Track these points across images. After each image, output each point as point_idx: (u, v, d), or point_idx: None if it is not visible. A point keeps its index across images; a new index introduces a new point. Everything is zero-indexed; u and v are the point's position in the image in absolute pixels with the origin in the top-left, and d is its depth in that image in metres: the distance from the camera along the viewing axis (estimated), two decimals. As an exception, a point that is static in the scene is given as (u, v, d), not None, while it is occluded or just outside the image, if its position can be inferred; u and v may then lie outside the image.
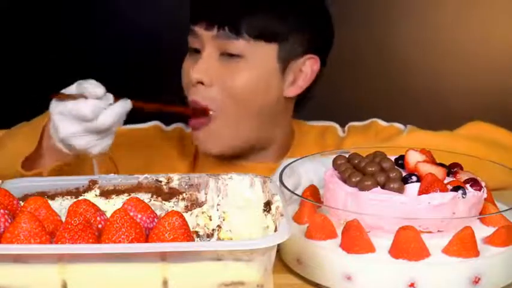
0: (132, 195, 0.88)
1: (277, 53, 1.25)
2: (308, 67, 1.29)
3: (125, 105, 1.05)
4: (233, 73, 1.23)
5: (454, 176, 0.94)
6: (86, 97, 1.02)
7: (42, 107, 1.11)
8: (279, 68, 1.26)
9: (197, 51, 1.26)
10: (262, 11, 1.24)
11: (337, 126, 1.45)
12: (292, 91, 1.29)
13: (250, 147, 1.31)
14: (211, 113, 1.24)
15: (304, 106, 1.37)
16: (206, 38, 1.24)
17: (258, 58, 1.24)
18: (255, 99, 1.26)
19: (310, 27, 1.28)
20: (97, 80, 1.06)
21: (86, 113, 1.02)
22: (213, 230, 0.89)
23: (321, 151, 1.31)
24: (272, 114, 1.29)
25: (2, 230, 0.75)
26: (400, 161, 0.95)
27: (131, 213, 0.77)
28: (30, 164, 1.10)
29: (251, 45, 1.23)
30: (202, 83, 1.24)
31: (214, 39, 1.23)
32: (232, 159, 1.34)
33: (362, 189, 0.88)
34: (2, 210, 0.77)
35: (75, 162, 1.11)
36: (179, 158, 1.39)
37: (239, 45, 1.23)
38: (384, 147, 0.98)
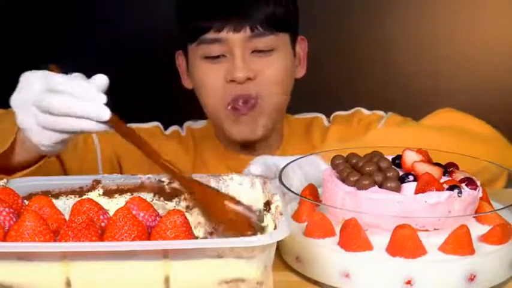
0: (135, 194, 0.89)
1: (289, 40, 1.33)
2: (301, 48, 1.39)
3: None
4: (269, 65, 1.30)
5: (450, 175, 0.94)
6: None
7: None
8: (293, 53, 1.35)
9: (217, 57, 1.29)
10: (277, 4, 1.29)
11: (323, 116, 1.49)
12: (301, 72, 1.41)
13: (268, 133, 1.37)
14: (258, 100, 1.30)
15: None
16: (235, 41, 1.27)
17: (283, 48, 1.32)
18: (287, 83, 1.34)
19: (296, 11, 1.36)
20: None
21: None
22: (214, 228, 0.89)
23: (308, 142, 1.39)
24: (288, 97, 1.37)
25: (7, 228, 0.76)
26: (397, 161, 0.96)
27: (134, 212, 0.77)
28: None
29: (278, 38, 1.30)
30: (249, 79, 1.28)
31: (246, 40, 1.27)
32: (235, 152, 1.39)
33: (360, 188, 0.89)
34: (6, 209, 0.78)
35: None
36: (183, 154, 1.42)
37: (270, 40, 1.29)
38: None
